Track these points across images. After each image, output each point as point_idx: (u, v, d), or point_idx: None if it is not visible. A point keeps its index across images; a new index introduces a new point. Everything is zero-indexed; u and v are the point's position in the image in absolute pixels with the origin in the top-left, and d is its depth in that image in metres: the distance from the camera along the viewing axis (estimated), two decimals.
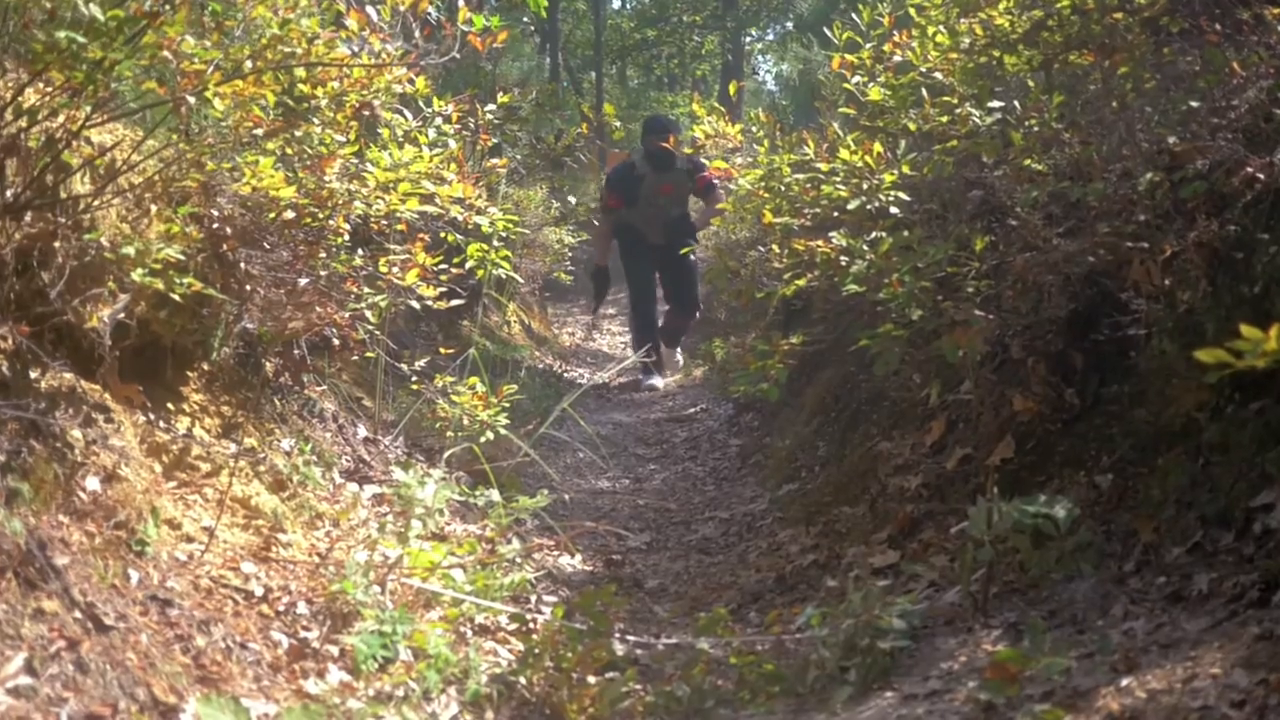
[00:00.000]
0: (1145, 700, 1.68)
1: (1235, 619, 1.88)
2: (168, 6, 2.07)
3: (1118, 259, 2.48)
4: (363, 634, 2.05)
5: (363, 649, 2.00)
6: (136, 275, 2.16)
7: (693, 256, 6.78)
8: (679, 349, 7.71)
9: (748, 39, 19.74)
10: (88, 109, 2.07)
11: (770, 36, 22.59)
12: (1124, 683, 1.75)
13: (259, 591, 2.20)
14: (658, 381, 7.13)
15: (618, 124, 6.62)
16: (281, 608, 2.19)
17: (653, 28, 19.75)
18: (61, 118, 2.18)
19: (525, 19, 16.05)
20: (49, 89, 2.13)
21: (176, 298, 2.37)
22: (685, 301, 7.22)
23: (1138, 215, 2.44)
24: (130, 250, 2.13)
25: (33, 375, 2.30)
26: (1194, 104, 2.48)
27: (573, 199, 8.60)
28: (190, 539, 2.29)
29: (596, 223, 7.53)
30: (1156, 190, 2.41)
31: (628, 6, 24.76)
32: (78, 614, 1.73)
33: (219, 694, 1.68)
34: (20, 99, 2.06)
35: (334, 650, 2.10)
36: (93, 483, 2.13)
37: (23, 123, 2.08)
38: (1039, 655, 1.84)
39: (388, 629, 2.07)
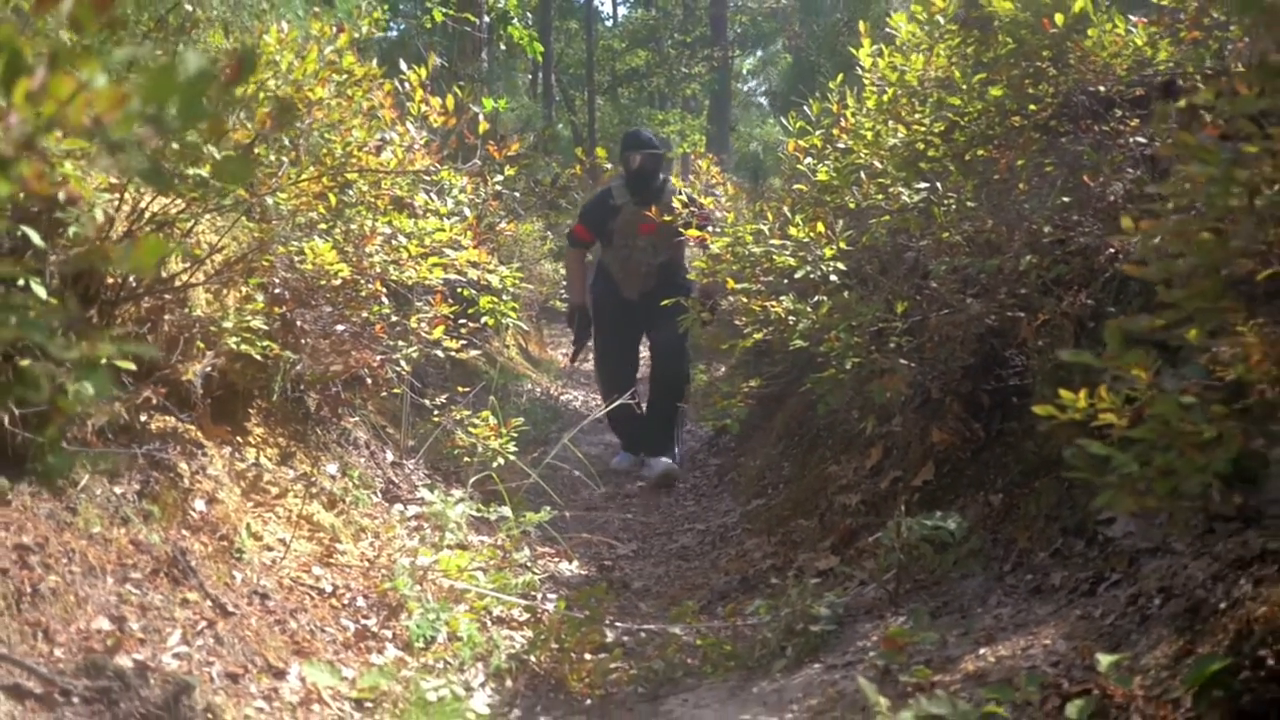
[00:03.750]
0: (994, 663, 2.30)
1: (1070, 605, 2.49)
2: (261, 139, 2.69)
3: (1004, 322, 3.11)
4: (414, 620, 2.66)
5: (416, 631, 2.61)
6: (231, 343, 2.78)
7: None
8: (676, 453, 5.59)
9: (735, 57, 20.43)
10: (199, 218, 2.69)
11: (760, 54, 23.38)
12: (982, 651, 2.37)
13: (328, 589, 2.82)
14: (626, 462, 5.69)
15: (609, 166, 7.23)
16: (346, 601, 2.80)
17: (644, 48, 20.43)
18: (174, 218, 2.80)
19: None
20: (165, 201, 2.75)
21: (256, 356, 2.98)
22: (669, 377, 5.45)
23: (1020, 289, 3.06)
24: (229, 323, 2.75)
25: (143, 418, 2.92)
26: (1066, 199, 3.10)
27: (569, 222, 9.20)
28: (270, 548, 2.90)
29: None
30: (1034, 270, 3.04)
31: (617, 26, 25.49)
32: (209, 603, 2.34)
33: (317, 659, 2.29)
34: (146, 211, 2.69)
35: (389, 634, 2.71)
36: (199, 504, 2.74)
37: (148, 228, 2.70)
38: (920, 632, 2.46)
39: (431, 616, 2.69)
